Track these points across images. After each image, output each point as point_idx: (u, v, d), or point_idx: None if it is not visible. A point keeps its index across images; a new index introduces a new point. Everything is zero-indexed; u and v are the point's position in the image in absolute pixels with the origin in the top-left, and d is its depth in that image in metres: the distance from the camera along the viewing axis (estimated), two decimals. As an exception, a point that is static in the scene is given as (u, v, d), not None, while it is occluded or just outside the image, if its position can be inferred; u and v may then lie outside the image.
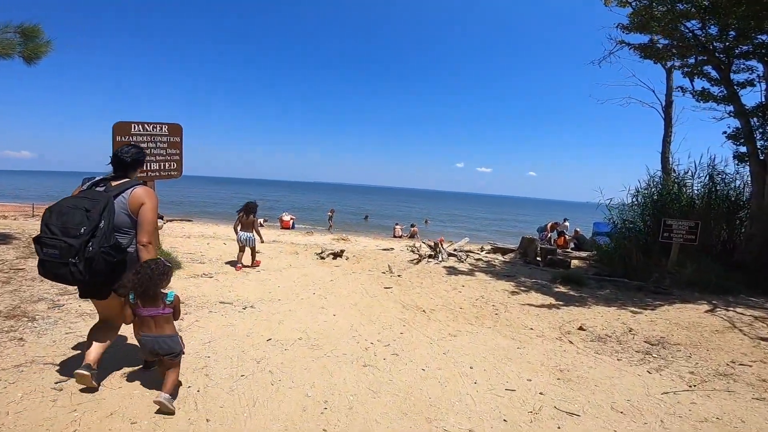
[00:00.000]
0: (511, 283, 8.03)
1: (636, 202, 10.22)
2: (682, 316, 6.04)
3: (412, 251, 10.38)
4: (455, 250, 11.43)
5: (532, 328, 5.32)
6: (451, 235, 21.81)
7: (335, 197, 64.61)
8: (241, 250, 7.26)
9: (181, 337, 2.72)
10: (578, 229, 14.32)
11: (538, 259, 11.44)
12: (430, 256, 9.74)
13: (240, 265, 7.17)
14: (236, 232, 7.37)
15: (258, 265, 7.52)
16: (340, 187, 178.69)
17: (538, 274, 9.11)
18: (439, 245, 9.80)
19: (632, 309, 6.44)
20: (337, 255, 9.17)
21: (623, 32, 8.60)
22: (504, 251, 12.03)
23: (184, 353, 2.75)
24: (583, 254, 12.32)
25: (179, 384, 2.77)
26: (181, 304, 2.82)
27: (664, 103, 12.13)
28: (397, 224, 19.08)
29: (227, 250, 8.92)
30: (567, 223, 16.76)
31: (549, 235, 15.05)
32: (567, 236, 14.41)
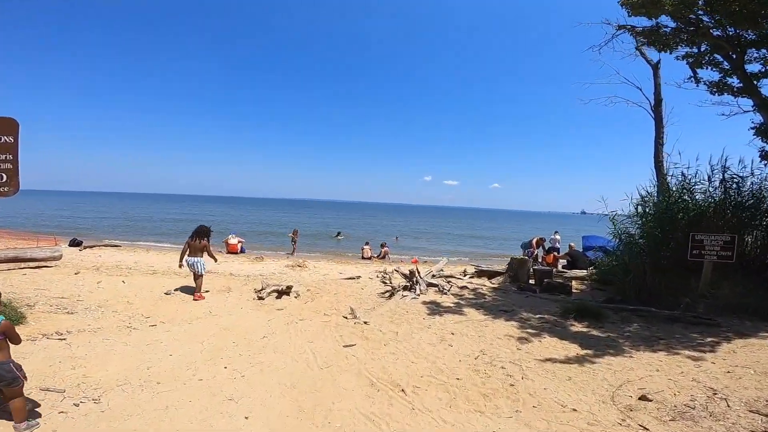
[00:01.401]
0: (513, 322, 6.17)
1: (642, 212, 8.77)
2: (760, 359, 4.43)
3: (383, 281, 8.35)
4: (434, 275, 9.52)
5: (575, 409, 3.43)
6: (424, 254, 19.98)
7: (299, 214, 61.53)
8: (195, 275, 6.80)
9: (16, 364, 2.68)
10: (572, 244, 12.91)
11: (531, 282, 9.78)
12: (405, 288, 7.75)
13: (199, 294, 6.70)
14: (181, 259, 6.84)
15: (199, 300, 6.63)
16: (304, 203, 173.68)
17: (540, 306, 7.35)
18: (416, 275, 7.84)
19: (687, 353, 4.78)
20: (282, 293, 6.96)
21: (628, 13, 7.26)
22: (490, 274, 10.28)
23: (24, 380, 2.72)
24: (580, 273, 10.80)
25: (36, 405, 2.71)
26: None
27: (653, 102, 11.09)
28: (366, 243, 17.01)
29: (121, 293, 6.47)
30: (558, 236, 15.39)
31: (535, 252, 13.55)
32: (557, 253, 12.96)
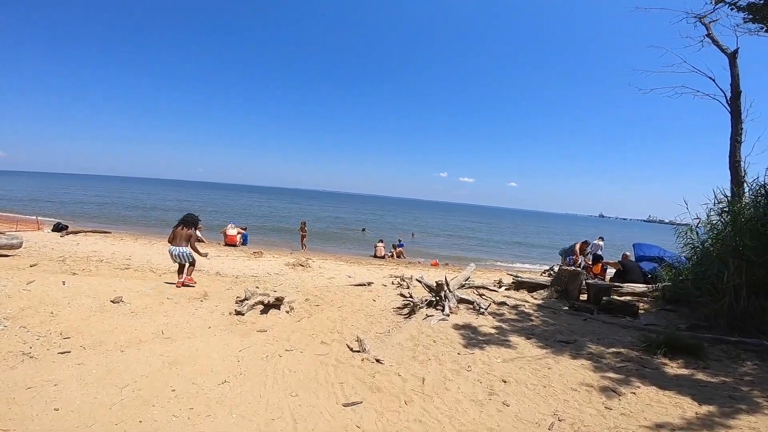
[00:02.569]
0: (584, 360, 4.47)
1: (730, 220, 6.86)
2: None
3: (401, 293, 6.65)
4: (463, 285, 7.80)
5: None
6: (444, 255, 18.21)
7: (312, 206, 60.32)
8: (180, 267, 6.45)
9: None
10: (627, 254, 10.96)
11: (582, 297, 7.99)
12: (429, 304, 6.06)
13: (179, 281, 6.32)
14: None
15: (189, 284, 6.36)
16: (317, 194, 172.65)
17: (606, 333, 5.64)
18: (444, 288, 6.11)
19: None
20: (269, 306, 5.33)
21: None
22: (530, 287, 8.48)
23: None
24: (638, 288, 8.89)
25: None
26: None
27: (730, 94, 9.12)
28: (380, 241, 15.35)
29: (50, 299, 4.77)
30: (601, 242, 13.38)
31: (579, 261, 11.62)
32: (605, 261, 11.02)
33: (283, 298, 5.41)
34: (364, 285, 7.73)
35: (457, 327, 5.42)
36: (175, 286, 6.16)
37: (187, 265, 6.40)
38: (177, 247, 6.29)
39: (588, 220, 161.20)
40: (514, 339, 5.20)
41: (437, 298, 6.09)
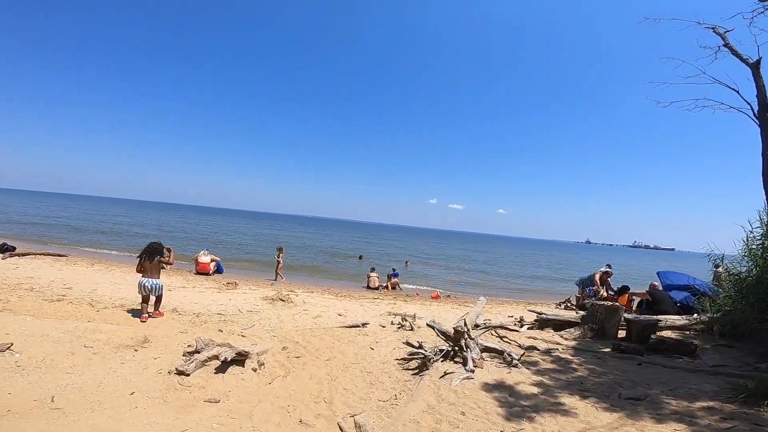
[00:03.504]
0: (675, 425, 3.33)
1: None
2: None
3: (408, 342, 5.19)
4: (478, 325, 6.45)
5: None
6: (441, 283, 16.82)
7: (300, 231, 58.55)
8: (144, 300, 5.87)
9: None
10: (656, 284, 9.80)
11: (619, 336, 6.72)
12: (447, 355, 4.66)
13: (145, 315, 5.72)
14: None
15: (157, 317, 5.79)
16: (305, 220, 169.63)
17: (677, 382, 4.56)
18: (465, 334, 4.71)
19: None
20: (229, 363, 3.86)
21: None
22: (556, 324, 7.17)
23: None
24: (679, 321, 7.67)
25: None
26: None
27: (758, 107, 8.33)
28: (372, 270, 13.92)
29: None
30: (610, 269, 12.20)
31: (600, 292, 10.38)
32: (632, 291, 9.78)
33: (247, 354, 3.95)
34: (358, 326, 6.30)
35: (488, 387, 4.04)
36: (110, 325, 4.67)
37: (153, 298, 5.99)
38: (150, 279, 5.89)
39: (576, 247, 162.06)
40: (567, 400, 3.86)
41: (455, 348, 4.70)
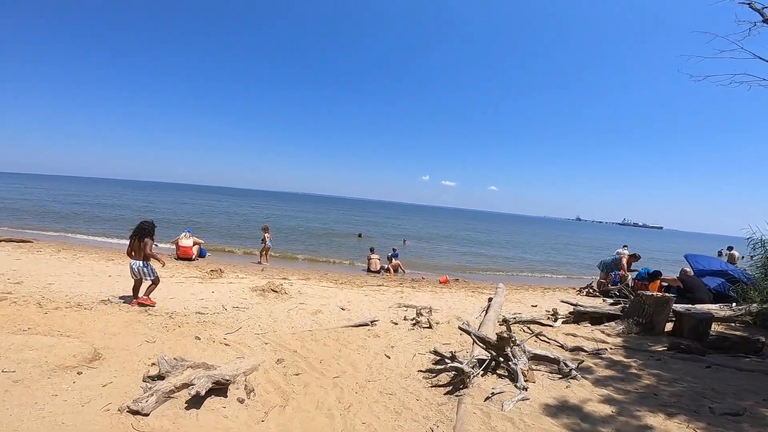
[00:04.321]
0: None
1: None
2: None
3: (435, 350, 4.19)
4: (507, 320, 5.51)
5: None
6: (448, 265, 15.95)
7: (293, 208, 57.12)
8: (135, 285, 5.67)
9: None
10: (688, 270, 9.00)
11: (667, 329, 5.88)
12: (486, 367, 3.70)
13: (135, 300, 5.47)
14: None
15: (146, 303, 5.45)
16: (297, 197, 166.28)
17: (762, 388, 3.60)
18: (510, 342, 3.71)
19: None
20: (204, 395, 2.85)
21: None
22: (592, 316, 6.30)
23: None
24: (720, 311, 6.88)
25: None
26: None
27: None
28: (371, 251, 12.94)
29: None
30: (626, 251, 11.37)
31: (627, 277, 9.52)
32: (664, 277, 8.93)
33: (228, 383, 2.93)
34: (367, 325, 5.33)
35: (551, 411, 3.12)
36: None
37: (148, 282, 5.68)
38: (136, 262, 5.60)
39: (566, 224, 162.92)
40: (653, 421, 3.02)
41: (497, 358, 3.74)
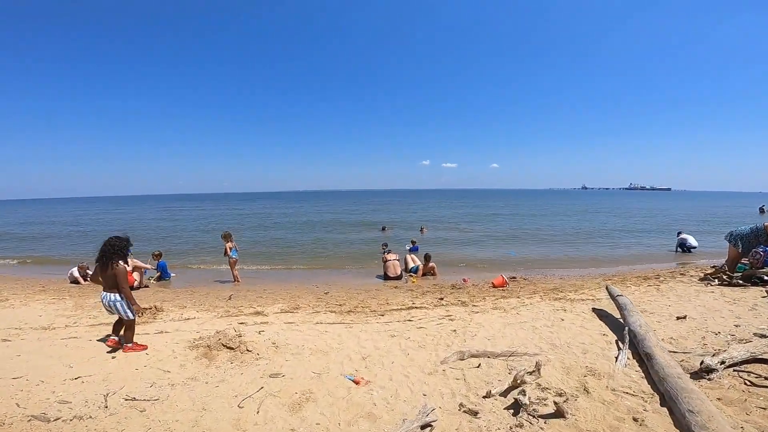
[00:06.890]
0: None
1: None
2: None
3: None
4: (722, 363, 2.48)
5: None
6: (484, 258, 12.83)
7: (294, 206, 54.04)
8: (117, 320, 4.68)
9: None
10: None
11: None
12: None
13: (114, 338, 4.47)
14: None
15: (133, 350, 4.20)
16: (299, 195, 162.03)
17: None
18: None
19: None
20: None
21: None
22: None
23: None
24: None
25: None
26: None
27: None
28: (386, 250, 9.81)
29: None
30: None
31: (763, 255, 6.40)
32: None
33: None
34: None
35: None
36: None
37: (124, 317, 4.32)
38: (106, 294, 4.33)
39: (571, 194, 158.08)
40: None
41: None
